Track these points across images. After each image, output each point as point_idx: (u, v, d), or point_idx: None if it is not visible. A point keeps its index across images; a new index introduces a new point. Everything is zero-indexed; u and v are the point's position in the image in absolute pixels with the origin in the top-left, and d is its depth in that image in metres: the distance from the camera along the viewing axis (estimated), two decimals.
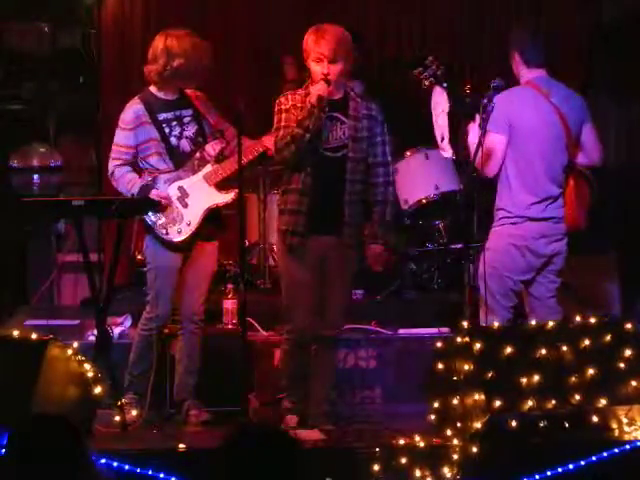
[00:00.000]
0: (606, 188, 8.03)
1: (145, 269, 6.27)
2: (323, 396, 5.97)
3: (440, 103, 6.21)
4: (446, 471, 5.08)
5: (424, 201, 7.45)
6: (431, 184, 7.44)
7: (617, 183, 8.29)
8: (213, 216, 6.17)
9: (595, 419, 5.24)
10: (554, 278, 5.90)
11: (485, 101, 5.64)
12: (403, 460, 5.13)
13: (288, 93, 5.84)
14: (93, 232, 6.74)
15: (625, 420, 5.30)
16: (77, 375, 5.34)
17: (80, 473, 3.50)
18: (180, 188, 6.15)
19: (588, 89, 8.59)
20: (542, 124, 5.81)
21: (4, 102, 8.12)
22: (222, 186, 6.17)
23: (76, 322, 7.05)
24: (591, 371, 5.24)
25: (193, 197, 6.14)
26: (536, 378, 5.14)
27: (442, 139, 6.57)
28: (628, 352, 5.34)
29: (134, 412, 6.06)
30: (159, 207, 6.06)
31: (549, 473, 5.02)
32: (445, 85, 5.91)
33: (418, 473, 5.10)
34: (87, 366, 5.38)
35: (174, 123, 6.19)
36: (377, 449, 5.22)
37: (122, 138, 6.14)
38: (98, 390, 5.36)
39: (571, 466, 5.05)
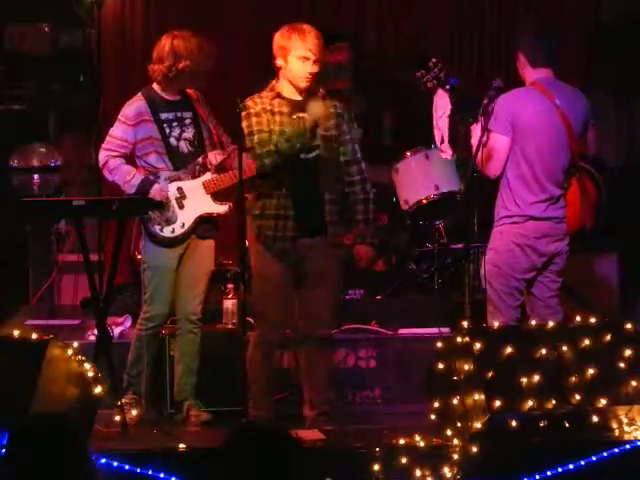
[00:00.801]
0: (606, 188, 8.07)
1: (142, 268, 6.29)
2: (322, 398, 5.95)
3: (442, 106, 6.22)
4: (446, 471, 5.08)
5: (424, 201, 7.45)
6: (431, 184, 7.43)
7: (617, 183, 8.29)
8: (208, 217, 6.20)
9: (595, 419, 5.24)
10: (555, 278, 5.90)
11: (486, 101, 5.64)
12: (403, 460, 5.13)
13: (255, 96, 5.81)
14: (93, 232, 6.73)
15: (625, 420, 5.30)
16: (77, 375, 5.34)
17: (80, 473, 3.50)
18: (179, 189, 6.16)
19: (588, 89, 8.60)
20: (544, 125, 5.80)
21: (4, 102, 8.11)
22: (218, 196, 6.19)
23: (76, 322, 7.05)
24: (591, 371, 5.24)
25: (190, 200, 6.16)
26: (536, 378, 5.14)
27: (442, 141, 6.59)
28: (628, 352, 5.34)
29: (134, 412, 6.06)
30: (159, 207, 6.07)
31: (549, 473, 5.03)
32: (448, 87, 5.92)
33: (418, 473, 5.10)
34: (87, 366, 5.37)
35: (174, 124, 6.20)
36: (377, 449, 5.22)
37: (121, 132, 6.15)
38: (98, 390, 5.36)
39: (571, 466, 5.05)
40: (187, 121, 6.22)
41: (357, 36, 8.48)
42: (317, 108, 5.69)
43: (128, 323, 6.97)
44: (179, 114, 6.21)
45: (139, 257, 6.40)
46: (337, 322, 6.17)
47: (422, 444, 5.22)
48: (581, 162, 5.94)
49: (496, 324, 5.52)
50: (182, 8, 8.39)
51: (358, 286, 7.50)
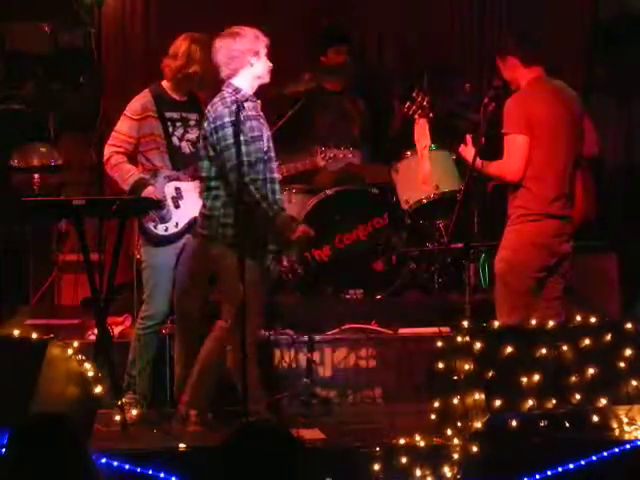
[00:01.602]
0: (606, 188, 8.08)
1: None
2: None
3: (422, 137, 6.28)
4: (446, 471, 5.08)
5: (424, 201, 7.45)
6: (431, 184, 7.43)
7: (617, 183, 8.29)
8: None
9: (595, 419, 5.24)
10: (560, 280, 5.90)
11: (486, 100, 5.65)
12: (403, 460, 5.13)
13: (239, 98, 5.69)
14: (93, 232, 6.73)
15: (625, 420, 5.31)
16: (77, 375, 5.33)
17: (80, 473, 3.49)
18: (177, 189, 6.18)
19: (588, 89, 8.60)
20: (557, 121, 5.81)
21: (4, 102, 8.11)
22: None
23: (76, 322, 7.05)
24: (591, 371, 5.24)
25: (186, 201, 6.18)
26: (536, 378, 5.15)
27: (424, 180, 6.65)
28: (628, 352, 5.34)
29: (134, 412, 6.06)
30: (159, 207, 6.08)
31: (549, 473, 5.03)
32: (431, 115, 5.95)
33: (418, 473, 5.10)
34: (87, 366, 5.37)
35: (178, 124, 6.21)
36: (377, 449, 5.22)
37: (126, 127, 6.17)
38: (98, 390, 5.35)
39: (571, 466, 5.05)
40: (192, 122, 6.23)
41: (358, 38, 8.47)
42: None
43: (128, 323, 6.98)
44: (184, 114, 6.22)
45: (139, 256, 6.41)
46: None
47: (422, 444, 5.22)
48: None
49: (496, 324, 5.51)
50: (182, 8, 8.39)
51: (358, 286, 7.50)
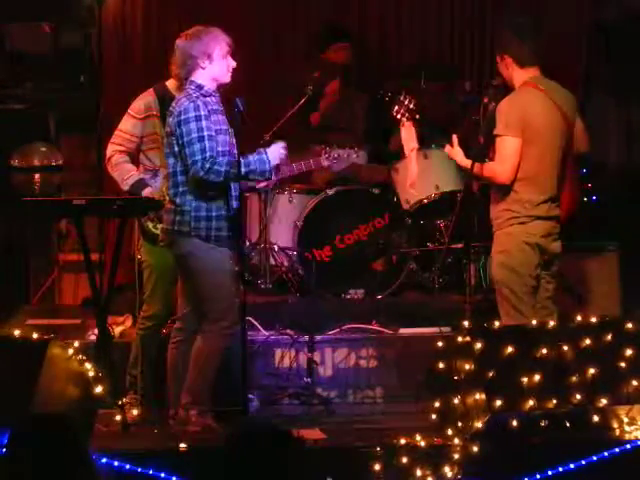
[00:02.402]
0: (606, 188, 8.08)
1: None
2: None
3: (409, 140, 6.28)
4: (447, 470, 5.08)
5: (425, 201, 7.45)
6: (431, 184, 7.43)
7: (617, 183, 8.29)
8: None
9: (596, 419, 5.24)
10: (551, 279, 5.89)
11: (486, 100, 5.64)
12: (404, 459, 5.13)
13: (202, 94, 5.70)
14: (94, 232, 6.74)
15: (626, 420, 5.30)
16: (78, 375, 5.34)
17: (80, 473, 3.49)
18: None
19: (588, 89, 8.60)
20: (549, 123, 5.80)
21: (5, 102, 8.11)
22: None
23: (77, 321, 7.05)
24: (592, 371, 5.24)
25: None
26: (537, 378, 5.15)
27: (411, 185, 6.65)
28: (629, 352, 5.34)
29: (135, 412, 6.06)
30: (160, 207, 6.08)
31: (550, 472, 5.03)
32: (417, 117, 5.95)
33: (419, 472, 5.10)
34: (88, 365, 5.37)
35: None
36: (378, 448, 5.22)
37: (129, 125, 6.17)
38: (99, 390, 5.36)
39: (572, 466, 5.05)
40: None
41: (359, 35, 8.47)
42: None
43: (129, 323, 6.98)
44: None
45: (139, 256, 6.41)
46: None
47: (423, 444, 5.22)
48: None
49: (497, 324, 5.51)
50: (183, 8, 8.39)
51: (358, 286, 7.50)
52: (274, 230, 7.48)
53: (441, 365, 5.37)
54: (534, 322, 5.51)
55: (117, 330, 6.78)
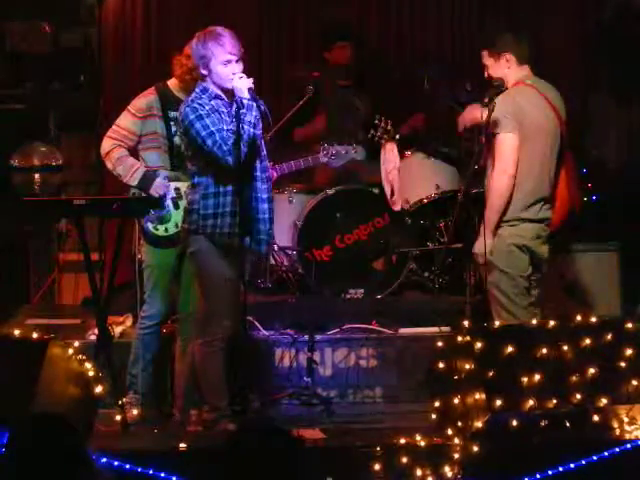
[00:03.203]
0: (607, 188, 8.08)
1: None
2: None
3: (390, 159, 6.27)
4: (447, 470, 5.08)
5: (425, 200, 7.45)
6: (432, 183, 7.44)
7: (617, 183, 8.29)
8: None
9: (596, 418, 5.24)
10: (535, 284, 5.90)
11: (486, 99, 5.64)
12: (404, 459, 5.13)
13: (196, 100, 5.66)
14: (94, 231, 6.74)
15: (626, 419, 5.30)
16: (78, 374, 5.34)
17: (80, 473, 3.50)
18: (177, 189, 6.18)
19: (588, 89, 8.60)
20: (542, 123, 5.81)
21: (5, 102, 8.11)
22: None
23: (77, 321, 7.05)
24: (592, 370, 5.24)
25: (186, 201, 6.16)
26: (537, 377, 5.14)
27: (392, 194, 6.66)
28: (629, 351, 5.33)
29: (135, 411, 6.07)
30: (160, 206, 6.08)
31: (550, 472, 5.02)
32: (397, 137, 5.96)
33: (419, 472, 5.10)
34: (88, 365, 5.38)
35: None
36: (378, 448, 5.22)
37: (129, 123, 6.15)
38: (99, 389, 5.36)
39: (572, 465, 5.05)
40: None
41: (359, 35, 8.46)
42: (244, 81, 5.63)
43: (129, 322, 6.98)
44: None
45: (139, 256, 6.41)
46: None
47: (423, 443, 5.22)
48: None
49: (497, 323, 5.51)
50: (183, 8, 8.39)
51: (358, 286, 7.50)
52: (274, 230, 7.47)
53: (441, 365, 5.37)
54: (534, 322, 5.51)
55: (117, 330, 6.78)
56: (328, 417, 6.31)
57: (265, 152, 5.81)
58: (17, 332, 5.36)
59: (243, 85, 5.59)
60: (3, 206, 7.54)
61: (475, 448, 5.05)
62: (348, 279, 7.51)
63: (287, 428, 3.59)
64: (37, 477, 3.45)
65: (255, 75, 5.79)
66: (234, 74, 5.64)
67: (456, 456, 5.11)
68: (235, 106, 5.64)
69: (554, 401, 5.17)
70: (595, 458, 5.08)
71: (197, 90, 5.71)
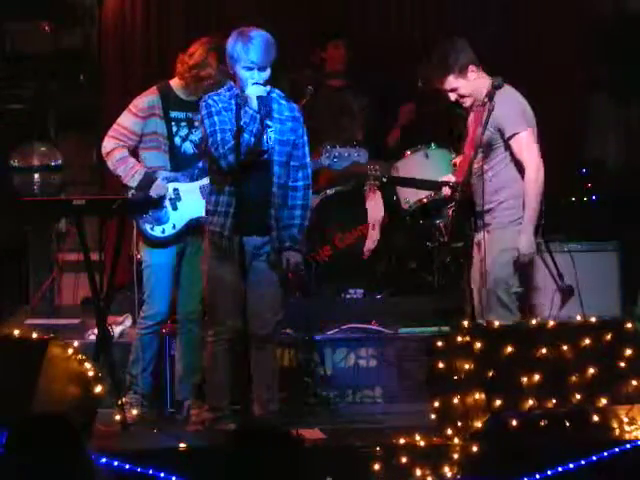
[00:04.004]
0: (606, 188, 8.08)
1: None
2: (265, 398, 5.85)
3: (376, 211, 6.25)
4: (446, 470, 5.08)
5: (425, 200, 7.45)
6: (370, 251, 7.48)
7: (617, 183, 8.29)
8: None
9: (596, 418, 5.23)
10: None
11: (486, 99, 5.64)
12: (403, 459, 5.13)
13: (212, 94, 5.70)
14: (94, 231, 6.73)
15: (626, 419, 5.30)
16: (77, 374, 5.33)
17: (80, 472, 3.50)
18: (175, 190, 6.18)
19: (588, 89, 8.60)
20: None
21: (4, 102, 8.12)
22: None
23: (77, 321, 7.06)
24: (592, 370, 5.24)
25: (184, 203, 6.18)
26: (536, 377, 5.14)
27: (369, 250, 6.67)
28: (629, 351, 5.34)
29: (134, 411, 6.07)
30: (160, 206, 6.08)
31: (550, 472, 5.02)
32: (385, 180, 6.03)
33: (418, 472, 5.10)
34: (87, 365, 5.37)
35: (183, 124, 6.21)
36: (377, 448, 5.22)
37: (130, 122, 6.15)
38: (98, 389, 5.35)
39: (572, 465, 5.05)
40: (197, 123, 6.22)
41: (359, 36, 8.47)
42: (257, 89, 5.61)
43: (128, 322, 6.98)
44: (190, 115, 6.21)
45: (139, 256, 6.41)
46: (280, 323, 6.08)
47: (422, 443, 5.21)
48: None
49: (496, 323, 5.51)
50: (182, 8, 8.39)
51: (358, 285, 7.50)
52: None
53: (441, 365, 5.36)
54: (533, 321, 5.51)
55: (117, 330, 6.78)
56: (328, 417, 6.31)
57: (302, 161, 5.82)
58: (17, 332, 5.36)
59: (253, 93, 5.58)
60: (3, 206, 7.55)
61: (475, 448, 5.04)
62: (348, 279, 7.52)
63: (287, 428, 3.59)
64: (37, 477, 3.45)
65: None
66: (252, 80, 5.62)
67: (456, 456, 5.10)
68: (235, 111, 5.63)
69: (554, 401, 5.17)
70: (594, 458, 5.08)
71: (225, 87, 5.71)
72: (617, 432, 5.26)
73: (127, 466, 4.98)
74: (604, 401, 5.24)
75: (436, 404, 5.42)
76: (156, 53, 8.29)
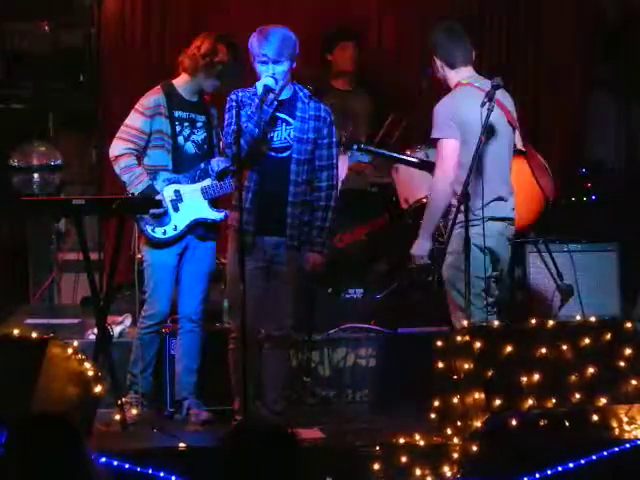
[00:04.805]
0: (606, 188, 8.08)
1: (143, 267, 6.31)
2: (274, 397, 5.90)
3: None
4: (446, 470, 5.08)
5: (424, 200, 7.44)
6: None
7: (617, 182, 8.29)
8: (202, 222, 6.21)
9: (595, 418, 5.24)
10: (495, 284, 5.87)
11: (485, 100, 5.62)
12: (403, 459, 5.13)
13: (239, 90, 5.77)
14: (93, 231, 6.74)
15: (625, 419, 5.30)
16: (77, 374, 5.33)
17: (79, 472, 3.49)
18: (176, 191, 6.18)
19: (588, 89, 8.60)
20: (493, 122, 5.75)
21: (4, 101, 8.11)
22: (216, 203, 6.20)
23: (76, 321, 7.05)
24: (591, 370, 5.24)
25: (186, 204, 6.17)
26: (536, 377, 5.15)
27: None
28: (628, 351, 5.34)
29: (134, 411, 6.07)
30: (160, 206, 6.08)
31: (549, 472, 5.02)
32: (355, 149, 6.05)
33: (418, 472, 5.10)
34: (87, 365, 5.37)
35: (186, 124, 6.21)
36: (377, 448, 5.22)
37: (139, 122, 6.14)
38: (98, 389, 5.35)
39: (571, 465, 5.05)
40: (199, 124, 6.23)
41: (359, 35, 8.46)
42: (267, 79, 5.68)
43: (128, 322, 6.98)
44: (193, 115, 6.22)
45: (139, 256, 6.41)
46: (294, 324, 6.10)
47: (422, 443, 5.22)
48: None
49: (496, 323, 5.51)
50: (182, 8, 8.39)
51: (358, 285, 7.50)
52: None
53: (440, 364, 5.37)
54: (533, 321, 5.51)
55: (116, 330, 6.78)
56: (327, 417, 6.31)
57: (328, 162, 5.86)
58: (16, 332, 5.36)
59: (261, 83, 5.65)
60: (2, 206, 7.55)
61: (474, 448, 5.05)
62: (347, 279, 7.51)
63: (287, 428, 3.59)
64: (36, 477, 3.45)
65: (252, 75, 5.80)
66: (267, 74, 5.66)
67: (455, 456, 5.11)
68: (236, 104, 5.66)
69: (553, 401, 5.17)
70: (594, 458, 5.08)
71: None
72: (617, 432, 5.26)
73: (127, 466, 4.99)
74: (604, 401, 5.24)
75: (436, 404, 5.42)
76: (156, 53, 8.28)
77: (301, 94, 5.84)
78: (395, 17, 8.66)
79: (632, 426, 5.29)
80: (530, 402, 5.12)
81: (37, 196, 7.54)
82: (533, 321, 5.52)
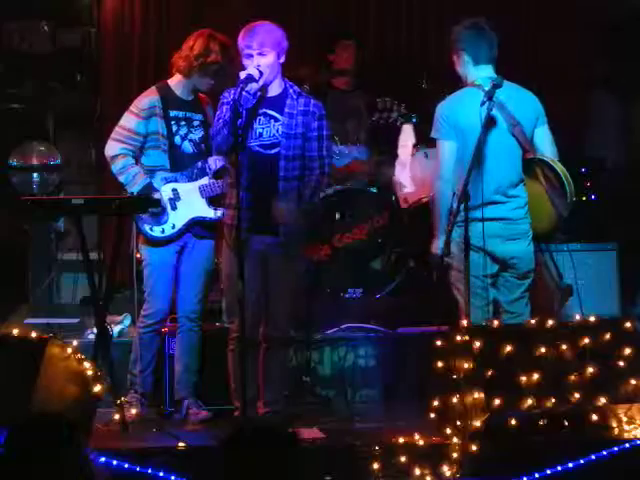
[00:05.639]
0: (606, 187, 8.08)
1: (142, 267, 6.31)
2: (273, 397, 5.89)
3: (408, 141, 6.18)
4: (446, 469, 5.08)
5: (424, 199, 7.45)
6: (431, 183, 7.42)
7: (617, 182, 8.29)
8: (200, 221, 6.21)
9: (595, 418, 5.23)
10: (516, 281, 5.86)
11: (485, 99, 5.61)
12: (403, 459, 5.13)
13: (231, 88, 5.75)
14: (93, 231, 6.73)
15: (625, 419, 5.30)
16: (76, 374, 5.33)
17: (79, 472, 3.49)
18: (174, 190, 6.18)
19: (589, 89, 8.60)
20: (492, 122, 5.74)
21: (4, 101, 8.11)
22: (213, 201, 6.20)
23: (76, 320, 7.05)
24: (591, 370, 5.24)
25: (183, 202, 6.17)
26: (536, 377, 5.14)
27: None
28: (628, 351, 5.34)
29: (134, 411, 6.07)
30: (159, 205, 6.08)
31: (549, 472, 5.02)
32: (414, 120, 5.93)
33: (418, 471, 5.10)
34: (87, 365, 5.37)
35: (182, 123, 6.21)
36: (377, 447, 5.22)
37: (133, 123, 6.13)
38: (97, 389, 5.35)
39: (571, 465, 5.04)
40: (196, 123, 6.23)
41: (360, 35, 8.46)
42: (251, 69, 5.69)
43: (127, 322, 6.98)
44: (189, 114, 6.22)
45: (139, 255, 6.41)
46: (292, 325, 6.09)
47: (421, 443, 5.22)
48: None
49: (496, 323, 5.51)
50: (182, 8, 8.39)
51: (357, 285, 7.50)
52: None
53: (440, 364, 5.36)
54: (532, 321, 5.50)
55: (116, 329, 6.78)
56: (327, 417, 6.31)
57: (318, 153, 5.82)
58: (16, 331, 5.35)
59: (244, 72, 5.64)
60: (2, 206, 7.55)
61: (474, 447, 5.05)
62: (347, 278, 7.51)
63: (286, 428, 3.59)
64: (36, 476, 3.45)
65: None
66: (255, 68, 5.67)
67: (455, 455, 5.11)
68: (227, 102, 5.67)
69: (553, 400, 5.17)
70: (594, 458, 5.08)
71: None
72: (616, 431, 5.26)
73: (126, 465, 4.99)
74: (603, 400, 5.24)
75: (435, 403, 5.41)
76: (154, 53, 8.29)
77: (291, 91, 5.83)
78: (395, 17, 8.66)
79: (632, 426, 5.28)
80: (530, 402, 5.12)
81: (36, 196, 7.54)
82: (533, 321, 5.52)
